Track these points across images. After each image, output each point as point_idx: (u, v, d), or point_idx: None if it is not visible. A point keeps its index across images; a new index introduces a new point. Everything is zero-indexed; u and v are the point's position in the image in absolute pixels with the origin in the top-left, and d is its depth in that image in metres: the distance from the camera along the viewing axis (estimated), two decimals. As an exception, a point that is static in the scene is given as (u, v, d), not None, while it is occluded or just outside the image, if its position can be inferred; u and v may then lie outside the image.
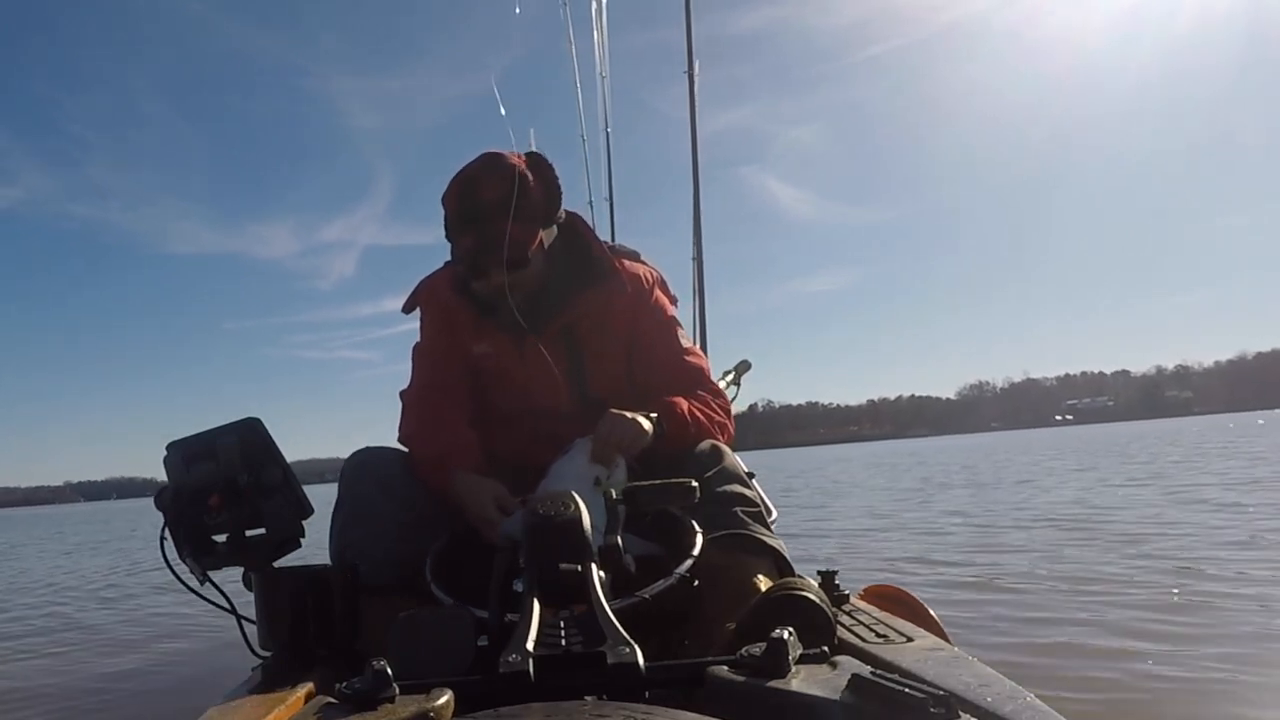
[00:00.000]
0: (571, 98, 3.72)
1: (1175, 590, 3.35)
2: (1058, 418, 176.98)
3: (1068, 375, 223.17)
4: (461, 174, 1.66)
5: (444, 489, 1.58)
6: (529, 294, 1.69)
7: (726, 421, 1.74)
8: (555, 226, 1.74)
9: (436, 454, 1.62)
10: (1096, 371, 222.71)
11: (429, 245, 1.84)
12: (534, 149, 1.73)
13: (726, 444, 1.69)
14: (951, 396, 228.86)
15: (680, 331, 1.85)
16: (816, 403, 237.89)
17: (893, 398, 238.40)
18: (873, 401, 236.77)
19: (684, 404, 1.67)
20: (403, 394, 1.82)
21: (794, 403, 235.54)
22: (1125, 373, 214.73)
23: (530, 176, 1.66)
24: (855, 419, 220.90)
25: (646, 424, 1.56)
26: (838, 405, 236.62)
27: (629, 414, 1.55)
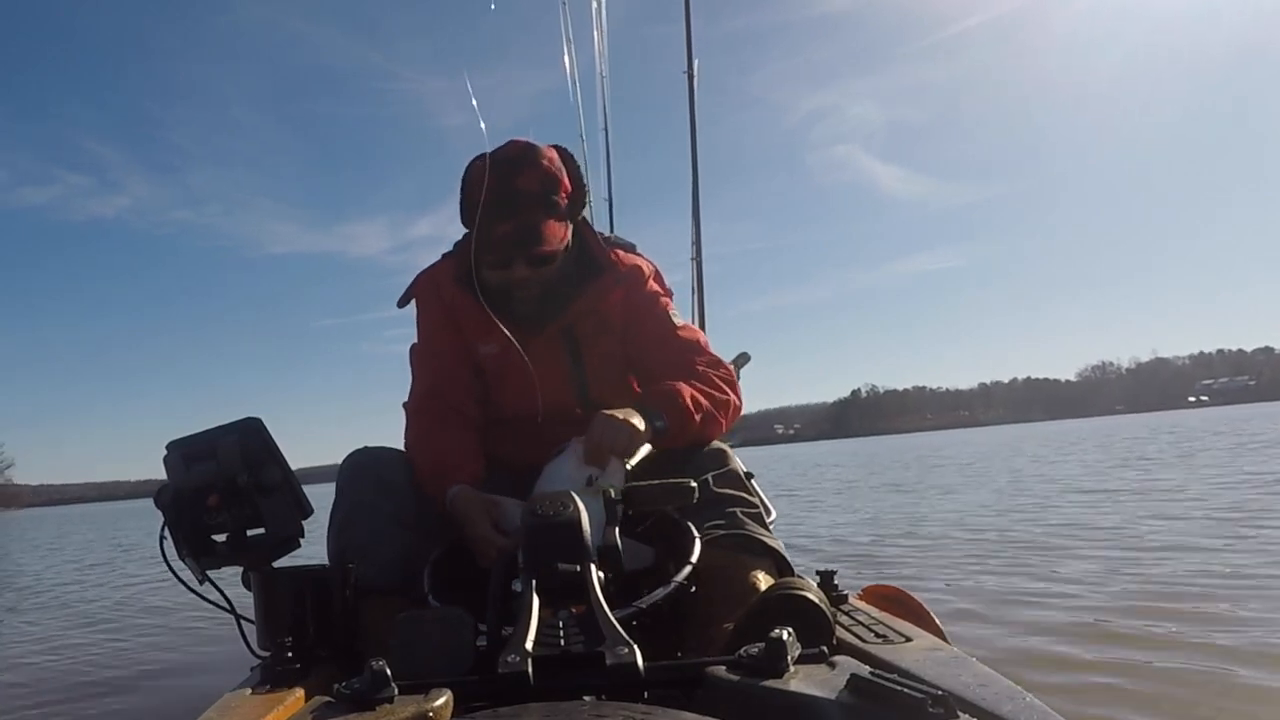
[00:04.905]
0: (585, 98, 3.75)
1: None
2: (1190, 399, 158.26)
3: (1202, 353, 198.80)
4: (492, 160, 1.60)
5: (441, 504, 1.54)
6: (538, 293, 1.66)
7: (730, 394, 1.67)
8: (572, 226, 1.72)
9: (435, 468, 1.59)
10: (1235, 349, 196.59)
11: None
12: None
13: (733, 418, 1.65)
14: (1071, 378, 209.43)
15: (672, 310, 1.79)
16: (924, 387, 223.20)
17: (1006, 380, 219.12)
18: (984, 385, 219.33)
19: (686, 391, 1.59)
20: (405, 405, 1.77)
21: (899, 387, 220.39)
22: (1269, 349, 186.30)
23: (565, 172, 1.65)
24: (966, 403, 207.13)
25: (641, 424, 1.49)
26: (947, 389, 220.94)
27: (620, 415, 1.48)
